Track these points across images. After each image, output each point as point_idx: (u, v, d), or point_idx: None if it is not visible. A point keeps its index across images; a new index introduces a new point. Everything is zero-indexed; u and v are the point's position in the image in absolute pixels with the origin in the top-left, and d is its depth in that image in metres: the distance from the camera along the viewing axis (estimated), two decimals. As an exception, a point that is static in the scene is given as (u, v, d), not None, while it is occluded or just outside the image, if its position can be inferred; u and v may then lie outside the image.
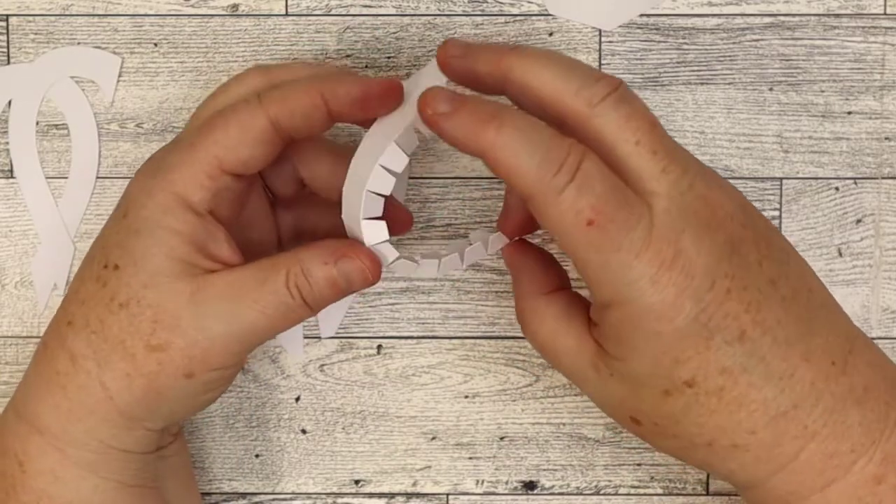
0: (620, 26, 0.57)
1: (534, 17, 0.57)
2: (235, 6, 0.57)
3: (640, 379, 0.46)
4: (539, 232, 0.55)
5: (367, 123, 0.49)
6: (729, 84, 0.57)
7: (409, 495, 0.58)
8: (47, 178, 0.57)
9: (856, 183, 0.57)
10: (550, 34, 0.57)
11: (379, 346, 0.58)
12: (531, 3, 0.57)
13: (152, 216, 0.48)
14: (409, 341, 0.58)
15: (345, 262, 0.48)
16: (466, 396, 0.58)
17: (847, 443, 0.46)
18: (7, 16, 0.57)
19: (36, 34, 0.57)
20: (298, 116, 0.48)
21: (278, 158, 0.50)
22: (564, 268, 0.51)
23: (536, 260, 0.51)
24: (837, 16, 0.57)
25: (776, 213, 0.57)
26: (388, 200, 0.48)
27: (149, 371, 0.48)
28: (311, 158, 0.52)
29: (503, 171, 0.44)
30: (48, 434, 0.49)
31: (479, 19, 0.57)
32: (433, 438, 0.58)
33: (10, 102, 0.57)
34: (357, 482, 0.58)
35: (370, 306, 0.58)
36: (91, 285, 0.49)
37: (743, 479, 0.47)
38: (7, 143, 0.57)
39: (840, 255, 0.57)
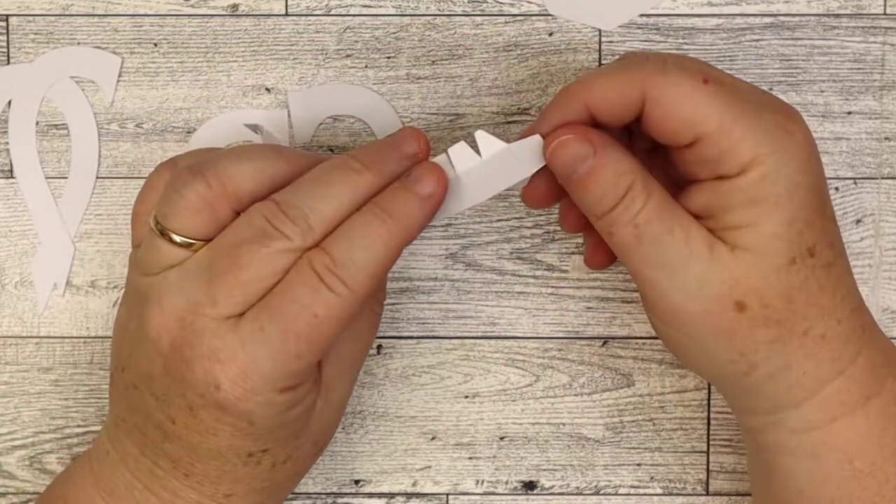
0: (620, 26, 0.57)
1: (534, 17, 0.57)
2: (235, 6, 0.57)
3: (771, 246, 0.45)
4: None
5: None
6: (729, 84, 0.57)
7: (409, 495, 0.58)
8: (47, 178, 0.57)
9: (856, 183, 0.57)
10: (550, 34, 0.57)
11: (379, 346, 0.58)
12: (531, 3, 0.57)
13: (284, 409, 0.48)
14: (409, 341, 0.58)
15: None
16: (466, 396, 0.58)
17: (882, 356, 0.48)
18: (7, 16, 0.57)
19: (36, 34, 0.57)
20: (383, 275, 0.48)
21: None
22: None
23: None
24: (837, 16, 0.57)
25: (776, 213, 0.57)
26: None
27: (311, 460, 0.52)
28: None
29: (607, 93, 0.47)
30: None
31: (479, 19, 0.57)
32: (433, 438, 0.58)
33: (9, 102, 0.57)
34: (357, 482, 0.58)
35: (370, 306, 0.58)
36: (242, 469, 0.49)
37: (807, 387, 0.47)
38: (7, 143, 0.57)
39: (840, 255, 0.57)
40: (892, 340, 0.57)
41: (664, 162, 0.49)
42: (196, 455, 0.48)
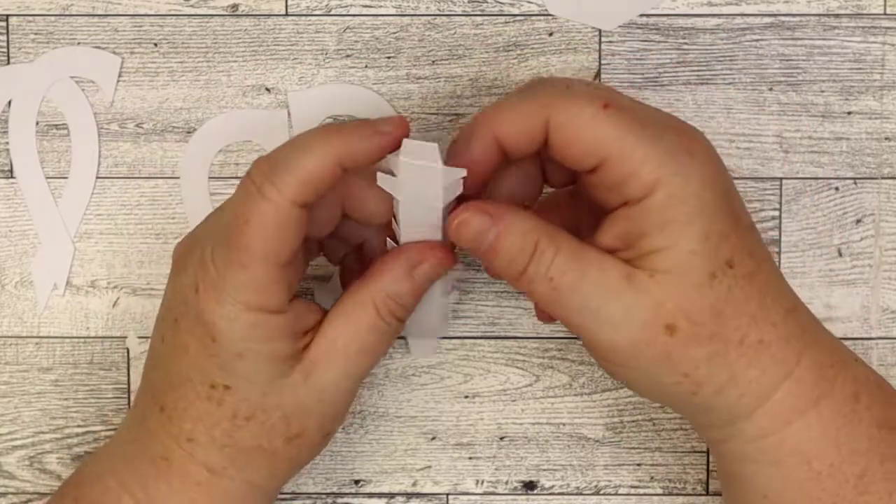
0: (620, 26, 0.57)
1: (534, 17, 0.57)
2: (235, 6, 0.57)
3: (689, 264, 0.46)
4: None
5: None
6: (729, 84, 0.57)
7: (409, 495, 0.58)
8: (47, 178, 0.57)
9: (856, 183, 0.57)
10: (550, 34, 0.57)
11: (379, 346, 0.58)
12: (531, 3, 0.57)
13: (247, 335, 0.48)
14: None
15: (422, 267, 0.49)
16: (466, 396, 0.58)
17: (829, 357, 0.48)
18: (7, 16, 0.57)
19: (36, 34, 0.57)
20: (319, 191, 0.48)
21: (323, 202, 0.49)
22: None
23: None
24: (837, 16, 0.57)
25: (776, 213, 0.57)
26: None
27: (290, 456, 0.50)
28: (357, 194, 0.51)
29: (511, 124, 0.48)
30: None
31: (479, 19, 0.57)
32: (433, 438, 0.58)
33: (9, 102, 0.57)
34: (357, 482, 0.58)
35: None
36: (202, 404, 0.49)
37: (756, 394, 0.47)
38: (7, 143, 0.57)
39: (840, 255, 0.57)
40: (892, 341, 0.57)
41: (581, 199, 0.50)
42: (169, 380, 0.49)
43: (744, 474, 0.49)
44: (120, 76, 0.57)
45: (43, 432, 0.58)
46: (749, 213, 0.49)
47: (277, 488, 0.52)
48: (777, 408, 0.47)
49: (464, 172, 0.48)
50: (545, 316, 0.53)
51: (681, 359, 0.47)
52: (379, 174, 0.49)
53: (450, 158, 0.49)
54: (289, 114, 0.57)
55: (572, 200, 0.53)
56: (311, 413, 0.50)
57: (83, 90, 0.57)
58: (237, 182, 0.57)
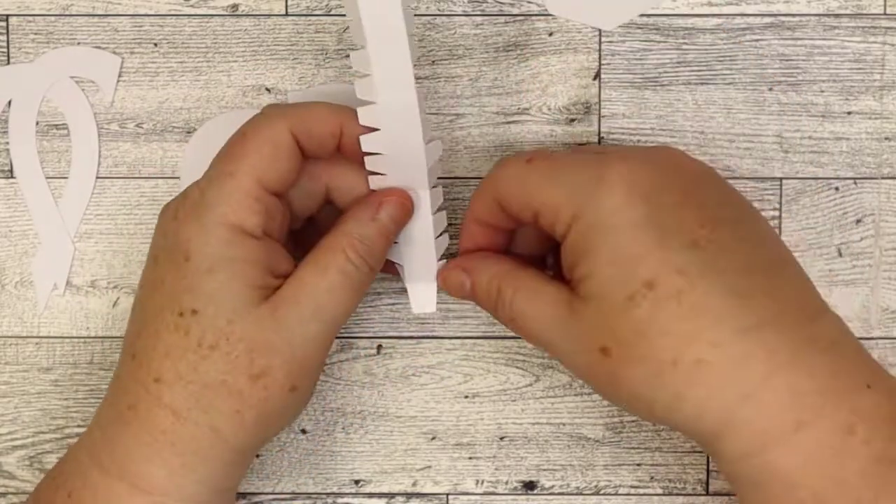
0: (620, 26, 0.57)
1: (534, 17, 0.57)
2: (235, 6, 0.57)
3: (606, 288, 0.47)
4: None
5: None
6: (729, 84, 0.57)
7: (409, 495, 0.58)
8: (47, 178, 0.57)
9: (856, 183, 0.57)
10: (550, 34, 0.57)
11: (379, 346, 0.58)
12: (531, 3, 0.57)
13: (219, 252, 0.49)
14: (409, 341, 0.58)
15: (385, 206, 0.52)
16: (466, 396, 0.58)
17: (814, 383, 0.46)
18: (7, 16, 0.57)
19: (36, 34, 0.57)
20: (315, 139, 0.51)
21: (309, 183, 0.53)
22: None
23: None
24: (837, 16, 0.57)
25: (776, 214, 0.57)
26: None
27: (257, 400, 0.49)
28: (339, 173, 0.53)
29: (481, 203, 0.53)
30: (157, 493, 0.49)
31: (478, 19, 0.57)
32: (433, 438, 0.58)
33: (10, 102, 0.57)
34: (357, 482, 0.58)
35: (370, 306, 0.58)
36: (170, 336, 0.49)
37: (713, 415, 0.46)
38: (7, 143, 0.57)
39: (840, 255, 0.57)
40: (892, 341, 0.57)
41: None
42: (143, 322, 0.50)
43: (736, 491, 0.49)
44: (120, 76, 0.57)
45: (43, 432, 0.58)
46: (716, 232, 0.47)
47: (248, 448, 0.51)
48: (747, 431, 0.46)
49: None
50: None
51: (623, 380, 0.47)
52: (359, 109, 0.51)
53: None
54: (289, 114, 0.57)
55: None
56: (276, 351, 0.49)
57: (83, 90, 0.57)
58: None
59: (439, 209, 0.54)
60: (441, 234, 0.54)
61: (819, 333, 0.47)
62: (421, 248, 0.54)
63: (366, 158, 0.52)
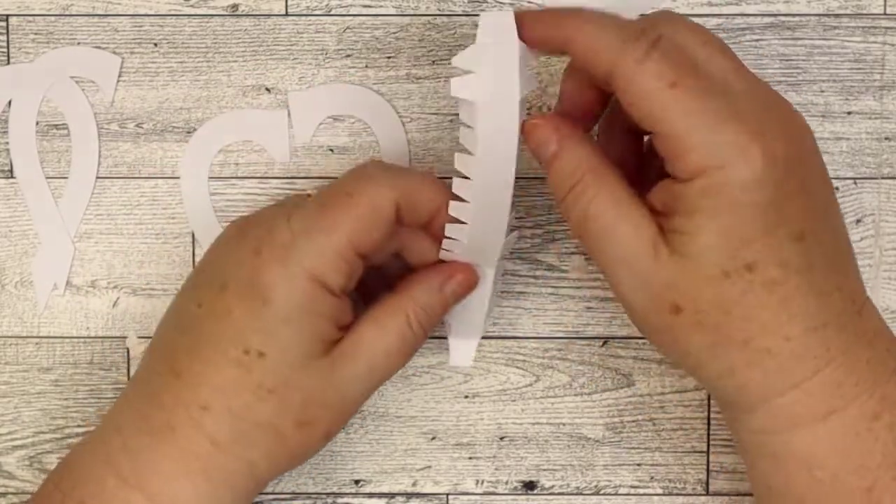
0: (620, 26, 0.57)
1: (534, 17, 0.57)
2: (235, 6, 0.57)
3: (704, 256, 0.46)
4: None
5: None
6: (729, 84, 0.57)
7: (409, 495, 0.58)
8: (47, 178, 0.57)
9: (856, 183, 0.57)
10: (550, 34, 0.57)
11: (379, 346, 0.58)
12: (531, 3, 0.57)
13: (300, 304, 0.49)
14: (409, 341, 0.58)
15: (451, 282, 0.52)
16: (466, 396, 0.58)
17: (854, 376, 0.47)
18: (7, 16, 0.57)
19: (36, 34, 0.57)
20: (416, 213, 0.51)
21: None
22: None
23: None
24: (837, 16, 0.57)
25: (776, 213, 0.57)
26: None
27: (297, 444, 0.51)
28: (415, 237, 0.53)
29: (585, 50, 0.47)
30: None
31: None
32: (433, 438, 0.58)
33: (10, 102, 0.57)
34: (357, 482, 0.58)
35: (370, 306, 0.58)
36: (230, 370, 0.49)
37: (756, 393, 0.47)
38: (7, 143, 0.57)
39: (840, 255, 0.57)
40: None
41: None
42: (197, 345, 0.50)
43: (750, 461, 0.50)
44: (120, 76, 0.57)
45: (43, 432, 0.58)
46: (817, 224, 0.47)
47: (268, 482, 0.52)
48: (779, 411, 0.47)
49: (535, 58, 0.49)
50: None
51: (682, 339, 0.47)
52: (452, 80, 0.49)
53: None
54: (289, 114, 0.57)
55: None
56: (327, 405, 0.50)
57: (83, 90, 0.57)
58: (237, 182, 0.57)
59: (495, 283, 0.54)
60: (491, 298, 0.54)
61: (865, 327, 0.48)
62: (472, 312, 0.54)
63: (447, 226, 0.52)
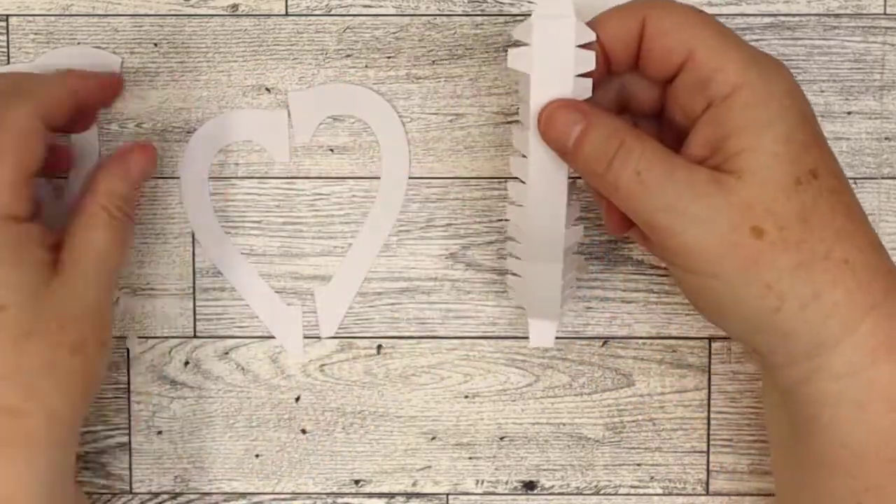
0: (620, 26, 0.57)
1: (534, 17, 0.57)
2: (235, 6, 0.57)
3: (773, 166, 0.46)
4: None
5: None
6: (729, 84, 0.57)
7: (409, 495, 0.58)
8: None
9: (856, 183, 0.57)
10: (550, 34, 0.57)
11: (379, 346, 0.58)
12: (531, 3, 0.57)
13: (6, 243, 0.49)
14: (409, 341, 0.58)
15: (133, 165, 0.54)
16: (466, 396, 0.58)
17: None
18: (7, 16, 0.57)
19: (36, 34, 0.57)
20: (59, 118, 0.52)
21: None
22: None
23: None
24: (837, 16, 0.57)
25: (776, 213, 0.57)
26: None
27: (81, 368, 0.50)
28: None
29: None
30: None
31: (479, 19, 0.57)
32: (433, 438, 0.58)
33: (10, 102, 0.57)
34: (357, 482, 0.58)
35: (370, 306, 0.58)
36: None
37: (842, 320, 0.46)
38: (7, 143, 0.57)
39: (840, 255, 0.57)
40: None
41: (667, 129, 0.51)
42: None
43: (822, 420, 0.47)
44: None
45: (43, 432, 0.58)
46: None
47: (76, 417, 0.51)
48: (865, 341, 0.46)
49: (594, 36, 0.48)
50: (617, 223, 0.51)
51: (767, 266, 0.46)
52: (510, 51, 0.49)
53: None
54: (289, 113, 0.57)
55: (660, 131, 0.52)
56: (81, 317, 0.50)
57: (84, 90, 0.57)
58: (237, 182, 0.57)
59: (568, 272, 0.53)
60: (568, 283, 0.54)
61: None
62: (547, 304, 0.53)
63: (509, 226, 0.53)
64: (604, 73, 0.50)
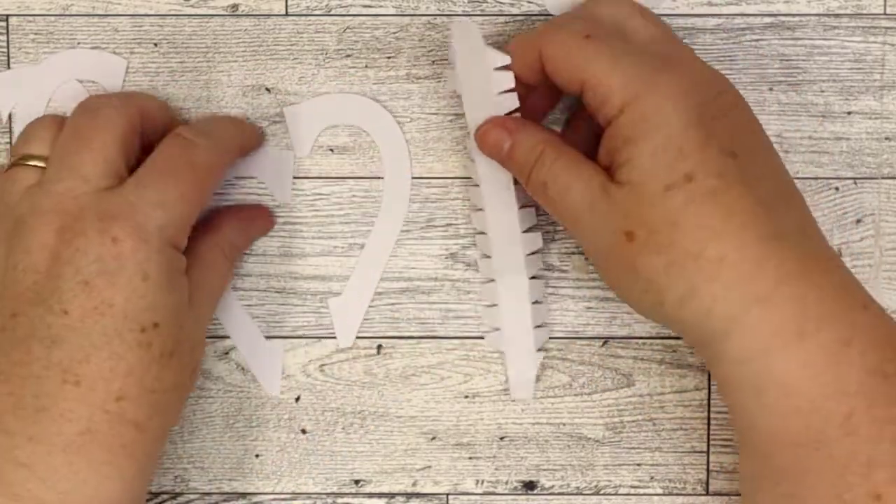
0: (620, 26, 0.57)
1: (534, 17, 0.57)
2: (235, 6, 0.57)
3: (647, 176, 0.49)
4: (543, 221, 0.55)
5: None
6: (729, 84, 0.57)
7: (409, 495, 0.58)
8: (48, 177, 0.58)
9: (856, 183, 0.57)
10: (550, 34, 0.57)
11: (379, 346, 0.58)
12: (531, 3, 0.57)
13: (171, 268, 0.51)
14: (409, 341, 0.58)
15: (252, 225, 0.58)
16: (466, 396, 0.58)
17: (818, 296, 0.48)
18: (7, 16, 0.57)
19: (36, 34, 0.57)
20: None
21: None
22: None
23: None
24: (837, 16, 0.57)
25: (776, 213, 0.57)
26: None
27: (188, 392, 0.54)
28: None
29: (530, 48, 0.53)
30: None
31: (479, 19, 0.57)
32: (433, 438, 0.58)
33: (15, 105, 0.57)
34: (357, 482, 0.58)
35: (370, 306, 0.58)
36: (134, 353, 0.50)
37: (723, 313, 0.48)
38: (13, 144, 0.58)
39: (840, 255, 0.57)
40: None
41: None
42: (89, 345, 0.49)
43: (731, 403, 0.50)
44: (120, 76, 0.57)
45: (44, 432, 0.58)
46: (746, 146, 0.50)
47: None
48: (755, 330, 0.48)
49: (508, 59, 0.53)
50: None
51: (642, 266, 0.49)
52: (445, 72, 0.57)
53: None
54: (287, 129, 0.57)
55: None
56: (197, 341, 0.53)
57: (88, 92, 0.57)
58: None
59: (536, 302, 0.56)
60: (540, 327, 0.57)
61: (824, 254, 0.50)
62: (521, 337, 0.57)
63: (478, 242, 0.57)
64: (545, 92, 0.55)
